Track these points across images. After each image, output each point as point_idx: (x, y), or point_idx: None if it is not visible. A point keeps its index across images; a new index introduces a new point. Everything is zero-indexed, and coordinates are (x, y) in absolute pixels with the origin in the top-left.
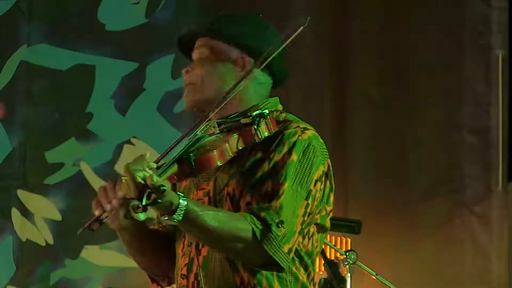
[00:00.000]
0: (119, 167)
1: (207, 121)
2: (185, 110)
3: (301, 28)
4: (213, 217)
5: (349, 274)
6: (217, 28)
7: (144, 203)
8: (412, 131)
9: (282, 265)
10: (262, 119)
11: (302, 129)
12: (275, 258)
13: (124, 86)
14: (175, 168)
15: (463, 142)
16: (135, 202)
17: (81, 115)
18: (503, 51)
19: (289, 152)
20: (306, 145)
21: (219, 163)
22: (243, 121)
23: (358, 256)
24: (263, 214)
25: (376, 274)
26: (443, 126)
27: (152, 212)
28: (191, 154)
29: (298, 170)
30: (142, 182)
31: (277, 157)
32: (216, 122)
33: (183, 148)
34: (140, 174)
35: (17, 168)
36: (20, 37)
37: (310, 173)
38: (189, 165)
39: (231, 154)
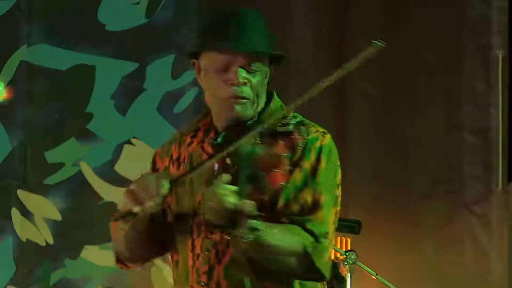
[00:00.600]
0: (119, 167)
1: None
2: (232, 118)
3: (373, 51)
4: (275, 234)
5: (349, 274)
6: (268, 45)
7: (241, 231)
8: (412, 131)
9: (324, 274)
10: (303, 128)
11: (322, 133)
12: (320, 268)
13: (124, 86)
14: (248, 188)
15: (463, 142)
16: (239, 233)
17: (81, 115)
18: (503, 51)
19: (318, 159)
20: (329, 150)
21: (282, 183)
22: (281, 129)
23: (358, 256)
24: (309, 225)
25: (376, 274)
26: (443, 126)
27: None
28: (259, 173)
29: (327, 178)
30: (233, 208)
31: (306, 165)
32: (259, 132)
33: (242, 164)
34: (231, 200)
35: (17, 168)
36: (20, 37)
37: (335, 178)
38: (259, 185)
39: (287, 168)
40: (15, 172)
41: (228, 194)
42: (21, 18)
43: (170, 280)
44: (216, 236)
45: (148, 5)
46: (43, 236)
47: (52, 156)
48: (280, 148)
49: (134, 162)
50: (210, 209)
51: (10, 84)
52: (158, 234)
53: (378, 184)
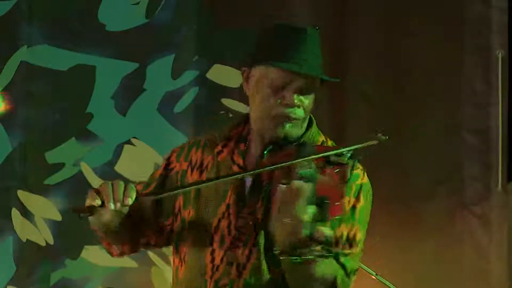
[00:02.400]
0: (119, 168)
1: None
2: (278, 136)
3: (374, 142)
4: (320, 262)
5: None
6: (322, 68)
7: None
8: (412, 131)
9: None
10: (353, 162)
11: (362, 171)
12: None
13: (124, 86)
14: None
15: (463, 142)
16: (318, 252)
17: (81, 115)
18: (503, 51)
19: (357, 197)
20: (368, 189)
21: (339, 215)
22: (335, 159)
23: None
24: (343, 259)
25: (376, 274)
26: (443, 126)
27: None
28: (325, 201)
29: (364, 216)
30: (311, 231)
31: (346, 199)
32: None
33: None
34: (308, 230)
35: (17, 169)
36: (20, 37)
37: (368, 218)
38: (324, 213)
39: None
40: (15, 172)
41: (309, 214)
42: (21, 18)
43: (170, 280)
44: (239, 250)
45: (148, 5)
46: (43, 236)
47: (52, 156)
48: (335, 178)
49: (135, 162)
50: (285, 225)
51: (10, 84)
52: (124, 234)
53: (378, 184)
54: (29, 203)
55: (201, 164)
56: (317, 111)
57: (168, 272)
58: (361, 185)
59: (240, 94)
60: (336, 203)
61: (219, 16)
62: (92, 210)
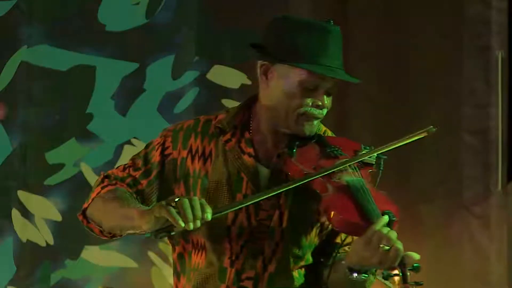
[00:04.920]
0: None
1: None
2: (297, 132)
3: (425, 134)
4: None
5: None
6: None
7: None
8: (412, 131)
9: None
10: (382, 161)
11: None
12: None
13: (124, 86)
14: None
15: (463, 142)
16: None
17: (82, 115)
18: (503, 51)
19: None
20: None
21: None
22: (366, 160)
23: None
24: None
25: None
26: (443, 126)
27: None
28: (394, 219)
29: None
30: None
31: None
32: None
33: (358, 196)
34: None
35: (18, 169)
36: (20, 38)
37: None
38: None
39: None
40: (15, 172)
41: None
42: (21, 18)
43: (170, 281)
44: (264, 243)
45: (148, 5)
46: (43, 236)
47: (52, 156)
48: (369, 179)
49: None
50: (380, 252)
51: (10, 84)
52: None
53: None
54: (29, 204)
55: (203, 152)
56: None
57: (168, 272)
58: None
59: (240, 95)
60: (395, 219)
61: (219, 16)
62: (172, 229)
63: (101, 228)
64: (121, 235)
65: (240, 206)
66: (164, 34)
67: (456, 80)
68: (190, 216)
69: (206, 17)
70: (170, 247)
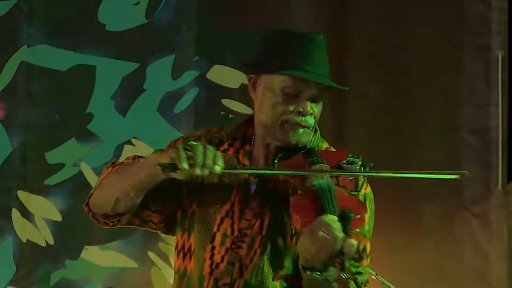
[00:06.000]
0: None
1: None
2: (286, 142)
3: (456, 177)
4: None
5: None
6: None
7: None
8: (412, 131)
9: None
10: (368, 167)
11: (365, 181)
12: None
13: (124, 86)
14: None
15: (463, 142)
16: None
17: (81, 115)
18: (503, 51)
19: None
20: (371, 198)
21: (357, 230)
22: (348, 167)
23: None
24: (354, 270)
25: (376, 274)
26: (443, 126)
27: None
28: (350, 215)
29: (370, 225)
30: (341, 246)
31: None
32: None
33: (324, 198)
34: (341, 235)
35: (18, 169)
36: (20, 37)
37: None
38: (347, 226)
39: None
40: (15, 172)
41: (340, 229)
42: (21, 18)
43: (170, 281)
44: (243, 251)
45: (149, 5)
46: (43, 236)
47: (52, 156)
48: (349, 186)
49: None
50: (319, 239)
51: (10, 84)
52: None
53: (378, 184)
54: (29, 204)
55: None
56: None
57: (168, 272)
58: (365, 195)
59: (240, 95)
60: (358, 216)
61: (219, 16)
62: (176, 168)
63: (105, 213)
64: (127, 212)
65: (249, 171)
66: (164, 34)
67: (456, 80)
68: (200, 160)
69: (206, 17)
70: (170, 247)
